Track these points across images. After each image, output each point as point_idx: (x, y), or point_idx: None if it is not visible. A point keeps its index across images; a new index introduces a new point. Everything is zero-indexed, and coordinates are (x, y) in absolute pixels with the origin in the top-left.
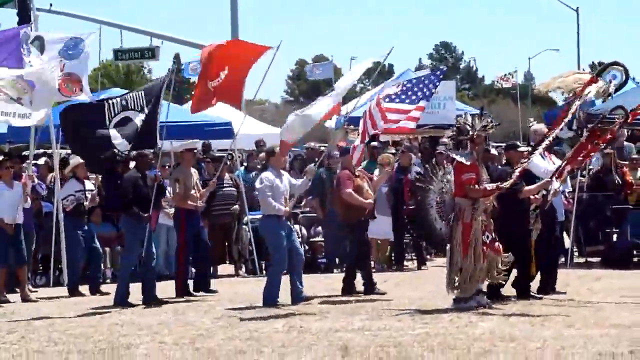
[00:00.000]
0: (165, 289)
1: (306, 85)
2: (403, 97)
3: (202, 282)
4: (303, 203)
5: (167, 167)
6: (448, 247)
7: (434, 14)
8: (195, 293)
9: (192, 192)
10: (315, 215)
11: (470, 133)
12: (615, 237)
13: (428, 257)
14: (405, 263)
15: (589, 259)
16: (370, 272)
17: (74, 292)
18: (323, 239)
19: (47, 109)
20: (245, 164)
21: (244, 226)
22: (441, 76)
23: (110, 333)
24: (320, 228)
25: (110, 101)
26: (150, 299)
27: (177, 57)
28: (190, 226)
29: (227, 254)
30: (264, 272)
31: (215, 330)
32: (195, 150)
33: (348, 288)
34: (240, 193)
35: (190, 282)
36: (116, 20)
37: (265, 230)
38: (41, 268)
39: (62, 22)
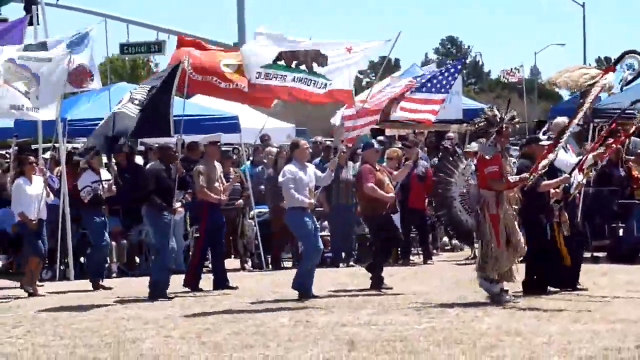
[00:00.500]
0: (173, 282)
1: None
2: (423, 88)
3: (222, 278)
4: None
5: None
6: (477, 238)
7: (440, 9)
8: (215, 290)
9: (216, 184)
10: (321, 209)
11: (499, 125)
12: (621, 232)
13: (434, 251)
14: (412, 257)
15: (595, 254)
16: (382, 267)
17: (97, 284)
18: (329, 234)
19: (55, 103)
20: (251, 158)
21: (249, 220)
22: (459, 67)
23: (116, 327)
24: (326, 222)
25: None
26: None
27: None
28: (212, 219)
29: (232, 248)
30: (270, 266)
31: (222, 325)
32: (219, 143)
33: (377, 282)
34: (245, 188)
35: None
36: (122, 14)
37: (291, 222)
38: (47, 262)
39: (69, 16)
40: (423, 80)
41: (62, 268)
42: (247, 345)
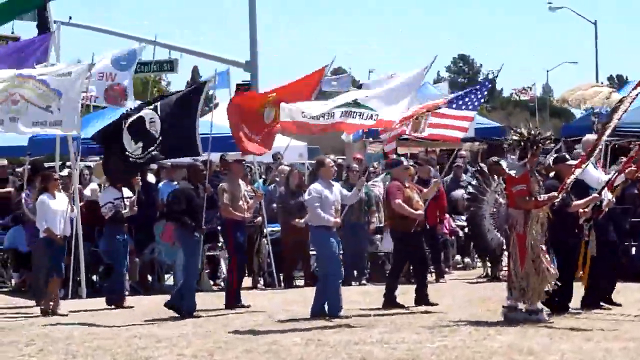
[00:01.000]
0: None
1: (323, 98)
2: (452, 104)
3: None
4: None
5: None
6: (506, 257)
7: (452, 27)
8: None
9: (240, 202)
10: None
11: (531, 144)
12: (633, 250)
13: (446, 270)
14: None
15: None
16: (426, 285)
17: (112, 302)
18: (341, 252)
19: (77, 117)
20: (263, 176)
21: (262, 239)
22: (489, 86)
23: (129, 345)
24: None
25: (128, 115)
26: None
27: (195, 70)
28: (237, 237)
29: (247, 266)
30: (282, 284)
31: (234, 343)
32: (244, 161)
33: (390, 300)
34: (261, 205)
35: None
36: (135, 33)
37: (315, 241)
38: None
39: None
40: (452, 98)
41: (74, 286)
42: None
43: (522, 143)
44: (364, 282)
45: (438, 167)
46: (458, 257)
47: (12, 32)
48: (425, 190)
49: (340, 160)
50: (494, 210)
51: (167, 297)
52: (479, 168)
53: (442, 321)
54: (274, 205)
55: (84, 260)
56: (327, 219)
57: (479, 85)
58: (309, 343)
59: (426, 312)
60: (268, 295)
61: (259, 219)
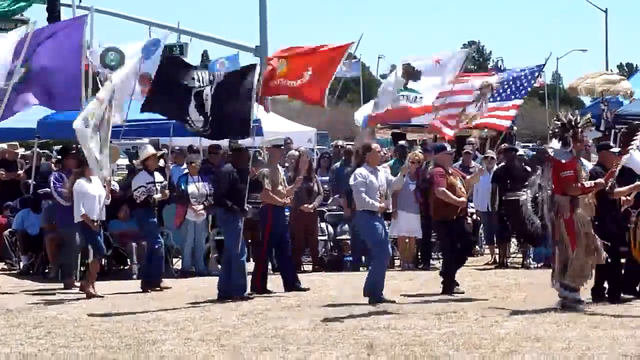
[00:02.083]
0: (194, 285)
1: (333, 83)
2: (502, 93)
3: (292, 279)
4: (330, 201)
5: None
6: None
7: (462, 14)
8: (286, 291)
9: (279, 188)
10: (342, 213)
11: (575, 130)
12: None
13: None
14: (432, 262)
15: None
16: (455, 272)
17: (147, 286)
18: (349, 237)
19: (125, 109)
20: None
21: None
22: (537, 73)
23: (136, 329)
24: (346, 226)
25: (198, 73)
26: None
27: (205, 54)
28: (277, 223)
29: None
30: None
31: (241, 327)
32: (282, 147)
33: (448, 287)
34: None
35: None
36: (143, 16)
37: (361, 226)
38: None
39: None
40: (502, 87)
41: (82, 269)
42: (266, 348)
43: (564, 130)
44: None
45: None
46: None
47: (22, 15)
48: (468, 176)
49: (349, 147)
50: (537, 195)
51: (175, 280)
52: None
53: (449, 307)
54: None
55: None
56: (372, 203)
57: (528, 71)
58: (316, 328)
59: (433, 298)
60: (276, 280)
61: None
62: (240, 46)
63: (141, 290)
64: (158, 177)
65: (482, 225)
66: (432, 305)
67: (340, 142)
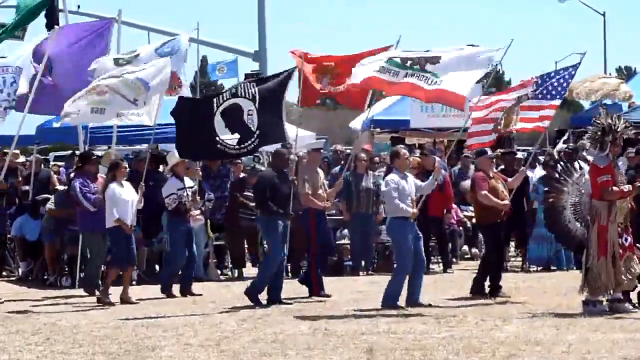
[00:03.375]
0: (193, 290)
1: None
2: (537, 93)
3: (319, 286)
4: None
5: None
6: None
7: (460, 17)
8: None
9: (320, 191)
10: (341, 217)
11: (614, 134)
12: None
13: (454, 260)
14: (431, 266)
15: None
16: (500, 276)
17: (167, 291)
18: (349, 242)
19: (156, 109)
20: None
21: None
22: (574, 72)
23: (135, 334)
24: (346, 231)
25: (220, 95)
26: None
27: (204, 59)
28: (319, 226)
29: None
30: (289, 274)
31: (241, 332)
32: (321, 150)
33: (477, 289)
34: None
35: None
36: (142, 22)
37: (392, 231)
38: (67, 269)
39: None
40: (538, 87)
41: (81, 275)
42: (266, 353)
43: (603, 134)
44: (371, 272)
45: (446, 158)
46: (465, 247)
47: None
48: (510, 180)
49: (348, 151)
50: (576, 200)
51: (174, 286)
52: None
53: (449, 312)
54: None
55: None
56: (405, 209)
57: (563, 72)
58: (316, 333)
59: (433, 302)
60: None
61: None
62: (239, 51)
63: (180, 295)
64: (188, 182)
65: None
66: (431, 309)
67: (339, 147)
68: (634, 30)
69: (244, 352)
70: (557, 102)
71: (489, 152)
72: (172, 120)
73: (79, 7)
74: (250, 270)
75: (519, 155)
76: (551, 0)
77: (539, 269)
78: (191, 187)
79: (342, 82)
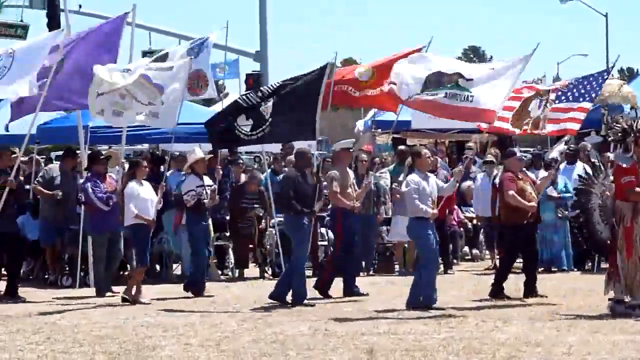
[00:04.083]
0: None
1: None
2: (569, 94)
3: (352, 285)
4: (329, 206)
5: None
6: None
7: (462, 18)
8: (345, 296)
9: (349, 190)
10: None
11: (636, 134)
12: None
13: (454, 261)
14: None
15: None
16: (535, 277)
17: (199, 292)
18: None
19: (176, 111)
20: (272, 166)
21: (270, 229)
22: (606, 77)
23: (136, 334)
24: None
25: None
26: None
27: None
28: (347, 226)
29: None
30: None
31: (241, 333)
32: (351, 150)
33: (496, 292)
34: (264, 196)
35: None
36: (144, 21)
37: (413, 232)
38: (67, 269)
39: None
40: (568, 89)
41: (82, 274)
42: (266, 354)
43: (625, 134)
44: (371, 272)
45: (447, 158)
46: (466, 248)
47: (21, 20)
48: (538, 182)
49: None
50: (602, 202)
51: (174, 286)
52: (464, 158)
53: (449, 313)
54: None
55: (92, 248)
56: (425, 210)
57: (597, 75)
58: (316, 333)
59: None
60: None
61: (255, 211)
62: (240, 51)
63: (192, 295)
64: (207, 180)
65: (482, 230)
66: (432, 311)
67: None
68: (636, 31)
69: (244, 352)
70: (588, 104)
71: (518, 153)
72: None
73: (80, 6)
74: (253, 271)
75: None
76: (552, 0)
77: (540, 270)
78: (210, 186)
79: (376, 86)
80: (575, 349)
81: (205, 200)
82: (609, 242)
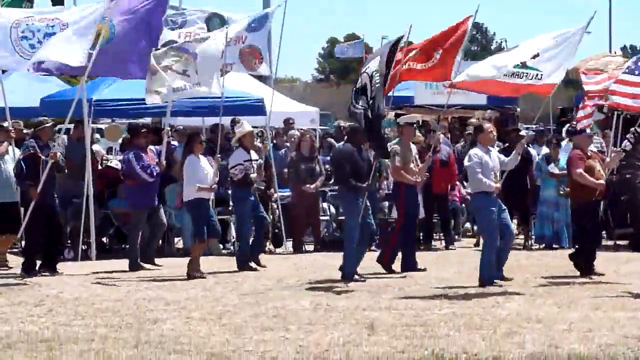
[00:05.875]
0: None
1: (337, 64)
2: (634, 69)
3: (412, 262)
4: (332, 181)
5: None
6: None
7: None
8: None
9: (411, 165)
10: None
11: None
12: None
13: (456, 237)
14: (433, 243)
15: (618, 242)
16: (594, 256)
17: (244, 265)
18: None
19: (217, 77)
20: (274, 141)
21: (272, 204)
22: None
23: (137, 308)
24: None
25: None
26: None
27: None
28: (410, 201)
29: None
30: (292, 249)
31: (242, 307)
32: (414, 124)
33: (588, 269)
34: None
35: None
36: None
37: (476, 207)
38: (69, 242)
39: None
40: (636, 64)
41: (84, 248)
42: (267, 328)
43: None
44: (373, 248)
45: (449, 134)
46: (468, 224)
47: None
48: (608, 159)
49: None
50: None
51: (176, 260)
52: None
53: (450, 288)
54: (285, 170)
55: (94, 222)
56: (488, 184)
57: None
58: (317, 308)
59: (435, 278)
60: (277, 260)
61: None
62: None
63: (238, 269)
64: (254, 155)
65: None
66: (433, 286)
67: (342, 123)
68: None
69: (245, 327)
70: None
71: (588, 131)
72: None
73: None
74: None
75: (522, 132)
76: None
77: (541, 247)
78: (256, 160)
79: (425, 60)
80: (575, 325)
81: (252, 175)
82: None
